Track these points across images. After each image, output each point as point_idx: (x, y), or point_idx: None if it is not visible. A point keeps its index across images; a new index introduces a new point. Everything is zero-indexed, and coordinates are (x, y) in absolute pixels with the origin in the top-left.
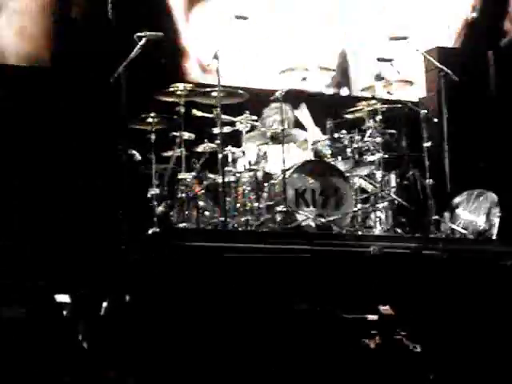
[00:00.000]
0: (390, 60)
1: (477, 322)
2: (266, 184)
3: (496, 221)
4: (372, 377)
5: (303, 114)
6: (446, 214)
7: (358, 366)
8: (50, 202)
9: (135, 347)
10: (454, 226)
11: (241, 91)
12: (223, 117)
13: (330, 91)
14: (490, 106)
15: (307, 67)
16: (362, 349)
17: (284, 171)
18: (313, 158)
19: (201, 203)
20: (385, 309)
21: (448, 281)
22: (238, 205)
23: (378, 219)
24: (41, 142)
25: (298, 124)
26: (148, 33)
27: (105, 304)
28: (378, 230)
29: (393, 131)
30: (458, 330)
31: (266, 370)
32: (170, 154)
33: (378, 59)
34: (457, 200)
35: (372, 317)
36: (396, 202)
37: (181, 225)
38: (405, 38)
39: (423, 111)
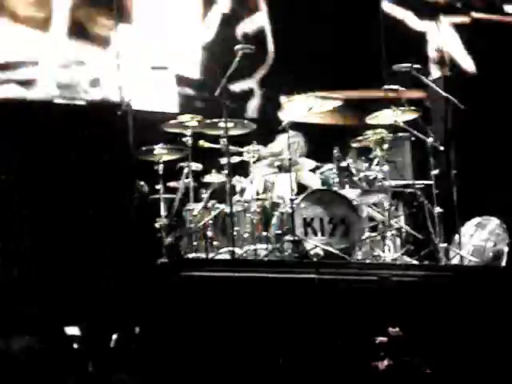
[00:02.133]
0: (164, 68)
1: (484, 345)
2: (274, 213)
3: (505, 248)
4: None
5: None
6: (455, 242)
7: None
8: (59, 232)
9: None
10: (462, 254)
11: (247, 121)
12: (230, 147)
13: None
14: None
15: (312, 96)
16: (371, 371)
17: (292, 200)
18: (320, 187)
19: (209, 233)
20: (394, 331)
21: (456, 305)
22: (247, 234)
23: (386, 247)
24: (47, 172)
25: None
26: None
27: (115, 336)
28: (386, 258)
29: (400, 159)
30: (466, 352)
31: None
32: (177, 184)
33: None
34: (465, 227)
35: (381, 339)
36: (404, 230)
37: (190, 255)
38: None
39: (430, 139)
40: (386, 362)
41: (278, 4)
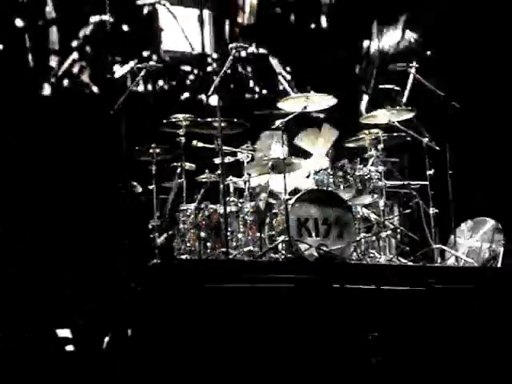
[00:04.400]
0: None
1: (480, 343)
2: (268, 214)
3: (500, 249)
4: None
5: (304, 141)
6: (451, 243)
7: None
8: (52, 233)
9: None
10: (458, 255)
11: (242, 121)
12: (224, 147)
13: None
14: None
15: (308, 96)
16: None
17: (286, 201)
18: (315, 187)
19: (202, 234)
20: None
21: (451, 305)
22: (240, 235)
23: (381, 248)
24: (41, 173)
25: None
26: (148, 64)
27: (107, 339)
28: (381, 259)
29: (395, 159)
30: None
31: None
32: (170, 184)
33: None
34: (461, 228)
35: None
36: (399, 230)
37: (182, 256)
38: None
39: (425, 139)
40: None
41: None
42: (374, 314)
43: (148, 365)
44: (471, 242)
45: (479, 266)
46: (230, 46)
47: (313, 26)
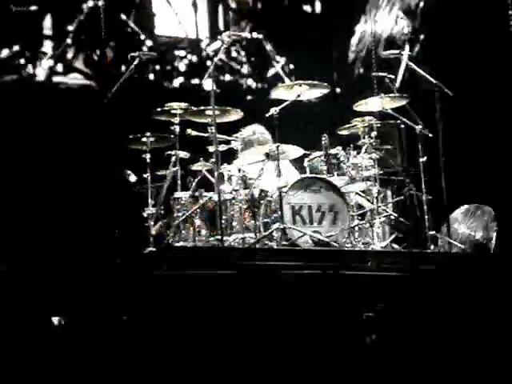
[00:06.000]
0: None
1: (472, 331)
2: (262, 201)
3: (493, 235)
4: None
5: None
6: (444, 229)
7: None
8: (46, 222)
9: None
10: (451, 241)
11: (236, 110)
12: (218, 136)
13: None
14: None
15: (301, 83)
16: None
17: (280, 188)
18: (309, 175)
19: (197, 222)
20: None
21: (444, 292)
22: (235, 223)
23: (375, 235)
24: (35, 161)
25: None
26: (141, 52)
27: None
28: (375, 246)
29: (388, 147)
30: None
31: None
32: (165, 172)
33: None
34: (454, 215)
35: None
36: (393, 217)
37: (177, 244)
38: None
39: (418, 127)
40: (373, 337)
41: None
42: (369, 297)
43: (142, 352)
44: (465, 229)
45: (472, 252)
46: (224, 33)
47: (307, 8)
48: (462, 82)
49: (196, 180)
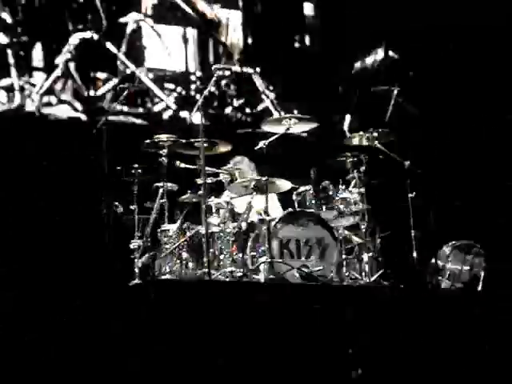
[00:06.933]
0: None
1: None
2: (250, 234)
3: (481, 272)
4: None
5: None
6: (432, 265)
7: None
8: (32, 253)
9: None
10: (439, 278)
11: (224, 142)
12: (206, 168)
13: None
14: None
15: (290, 116)
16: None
17: (268, 222)
18: (297, 209)
19: (184, 255)
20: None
21: (431, 327)
22: (222, 256)
23: (362, 270)
24: (23, 192)
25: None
26: (130, 84)
27: None
28: (362, 281)
29: (376, 181)
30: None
31: None
32: (152, 205)
33: None
34: (442, 251)
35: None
36: (380, 253)
37: (163, 276)
38: None
39: (407, 162)
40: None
41: None
42: (355, 332)
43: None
44: (453, 265)
45: (459, 288)
46: (214, 66)
47: (297, 45)
48: (451, 117)
49: (183, 212)
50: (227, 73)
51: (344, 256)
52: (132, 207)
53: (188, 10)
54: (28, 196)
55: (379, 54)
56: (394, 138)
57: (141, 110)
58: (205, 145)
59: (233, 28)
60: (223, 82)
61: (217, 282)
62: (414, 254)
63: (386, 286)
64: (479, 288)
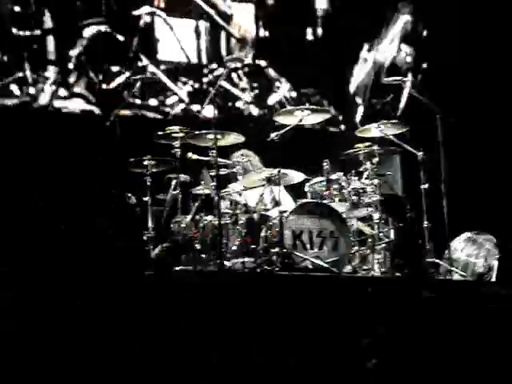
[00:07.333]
0: None
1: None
2: (262, 226)
3: (495, 263)
4: None
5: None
6: (445, 256)
7: None
8: (44, 245)
9: None
10: (452, 269)
11: (237, 134)
12: (219, 159)
13: None
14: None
15: (303, 108)
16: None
17: (281, 213)
18: (310, 200)
19: (197, 246)
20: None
21: (444, 319)
22: (235, 247)
23: (375, 261)
24: (36, 184)
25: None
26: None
27: None
28: (375, 272)
29: (390, 173)
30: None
31: None
32: (165, 196)
33: None
34: (455, 242)
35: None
36: (394, 244)
37: (177, 267)
38: None
39: (420, 153)
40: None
41: None
42: (369, 323)
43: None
44: (466, 256)
45: (473, 279)
46: (226, 58)
47: (309, 37)
48: (464, 109)
49: (196, 204)
50: (239, 65)
51: (357, 247)
52: (145, 199)
53: (200, 2)
54: (35, 190)
55: (393, 46)
56: (406, 130)
57: (154, 102)
58: (218, 136)
59: (245, 20)
60: (235, 75)
61: (230, 272)
62: (427, 246)
63: (399, 277)
64: (493, 278)
